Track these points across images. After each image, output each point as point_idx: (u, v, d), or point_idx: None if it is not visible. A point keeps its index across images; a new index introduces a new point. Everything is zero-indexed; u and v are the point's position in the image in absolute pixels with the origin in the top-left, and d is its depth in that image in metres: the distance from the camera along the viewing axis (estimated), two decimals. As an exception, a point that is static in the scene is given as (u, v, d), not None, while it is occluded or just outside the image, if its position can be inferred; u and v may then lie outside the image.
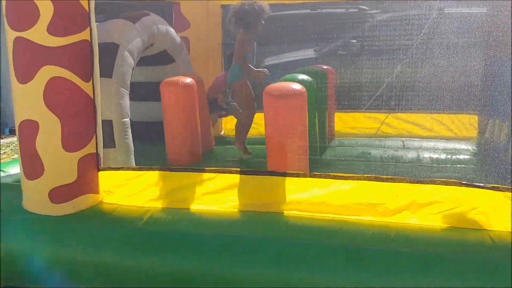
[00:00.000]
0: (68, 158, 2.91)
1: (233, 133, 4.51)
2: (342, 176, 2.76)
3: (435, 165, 3.64)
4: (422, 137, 4.49)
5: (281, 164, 3.07)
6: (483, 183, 2.56)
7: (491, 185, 2.54)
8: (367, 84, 4.20)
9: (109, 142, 3.36)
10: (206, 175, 2.95)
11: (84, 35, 2.89)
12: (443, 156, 3.84)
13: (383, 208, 2.68)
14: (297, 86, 3.04)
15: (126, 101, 3.54)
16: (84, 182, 3.00)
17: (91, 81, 2.96)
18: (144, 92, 4.18)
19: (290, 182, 2.83)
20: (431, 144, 4.07)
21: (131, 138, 3.57)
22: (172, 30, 4.19)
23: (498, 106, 4.04)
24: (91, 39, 2.93)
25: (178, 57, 4.28)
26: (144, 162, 3.64)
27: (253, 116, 4.03)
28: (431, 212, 2.62)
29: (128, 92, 3.56)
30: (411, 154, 3.88)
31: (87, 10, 2.89)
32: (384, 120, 4.83)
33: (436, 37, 3.97)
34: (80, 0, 2.85)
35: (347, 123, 5.04)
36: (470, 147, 4.06)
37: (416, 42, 3.97)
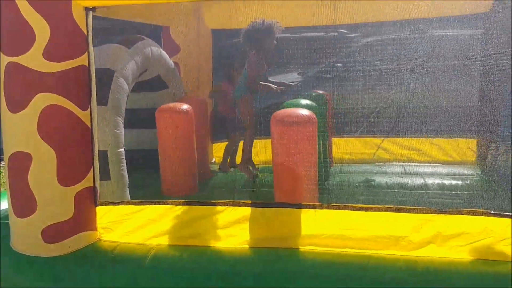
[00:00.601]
0: (64, 193, 2.67)
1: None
2: (361, 207, 2.61)
3: (447, 191, 3.53)
4: (419, 162, 4.41)
5: (291, 194, 2.90)
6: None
7: (521, 214, 2.43)
8: (361, 108, 4.11)
9: (104, 174, 3.13)
10: (214, 209, 2.76)
11: (82, 60, 2.69)
12: (449, 181, 3.75)
13: (407, 241, 2.53)
14: (307, 112, 2.90)
15: (121, 130, 3.32)
16: (81, 219, 2.76)
17: (88, 109, 2.75)
18: (135, 119, 3.96)
19: (305, 215, 2.66)
20: (436, 169, 3.98)
21: (126, 170, 3.34)
22: (165, 55, 4.02)
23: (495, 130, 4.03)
24: (89, 64, 2.73)
25: (171, 82, 4.10)
26: (138, 193, 3.42)
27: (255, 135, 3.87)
28: (458, 244, 2.48)
29: (123, 121, 3.35)
30: (417, 180, 3.77)
31: (85, 33, 2.70)
32: (380, 144, 4.74)
33: (431, 60, 3.94)
34: (78, 21, 2.65)
35: (342, 148, 4.92)
36: (474, 172, 3.98)
37: (409, 66, 3.92)
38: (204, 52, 4.71)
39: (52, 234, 2.68)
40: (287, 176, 2.88)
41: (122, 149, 3.32)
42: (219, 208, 2.74)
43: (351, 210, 2.60)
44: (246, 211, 2.71)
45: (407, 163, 4.30)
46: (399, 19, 4.16)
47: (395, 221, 2.57)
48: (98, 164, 2.85)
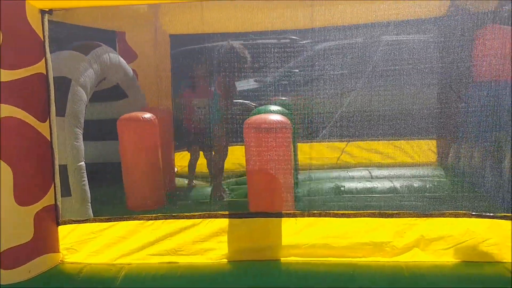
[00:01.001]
0: (22, 213, 2.44)
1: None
2: (344, 213, 2.53)
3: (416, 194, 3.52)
4: (383, 165, 4.41)
5: (269, 203, 2.77)
6: (493, 212, 2.44)
7: (502, 214, 2.42)
8: (322, 113, 4.07)
9: (64, 190, 2.89)
10: (189, 222, 2.60)
11: (39, 67, 2.47)
12: (417, 184, 3.75)
13: (391, 247, 2.48)
14: (281, 118, 2.80)
15: (81, 143, 3.09)
16: (42, 240, 2.52)
17: (47, 121, 2.53)
18: (95, 130, 3.73)
19: (286, 224, 2.55)
20: (403, 172, 3.99)
21: (87, 185, 3.11)
22: (124, 63, 3.81)
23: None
24: (46, 72, 2.51)
25: (131, 91, 3.89)
26: (101, 209, 3.20)
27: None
28: (442, 247, 2.45)
29: (82, 132, 3.13)
30: (386, 184, 3.75)
31: (42, 38, 2.49)
32: (343, 148, 4.71)
33: (387, 65, 3.96)
34: (34, 25, 2.43)
35: (305, 153, 4.86)
36: (438, 173, 4.01)
37: (367, 70, 3.92)
38: (163, 59, 4.52)
39: (10, 258, 2.43)
40: (264, 184, 2.76)
41: (83, 163, 3.09)
42: (194, 221, 2.59)
43: (334, 217, 2.52)
44: (224, 223, 2.57)
45: (372, 167, 4.29)
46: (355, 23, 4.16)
47: (379, 227, 2.51)
48: (59, 180, 2.63)
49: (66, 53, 3.19)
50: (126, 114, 3.51)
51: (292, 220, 2.53)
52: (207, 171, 3.83)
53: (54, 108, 2.56)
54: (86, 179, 3.10)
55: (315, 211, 2.53)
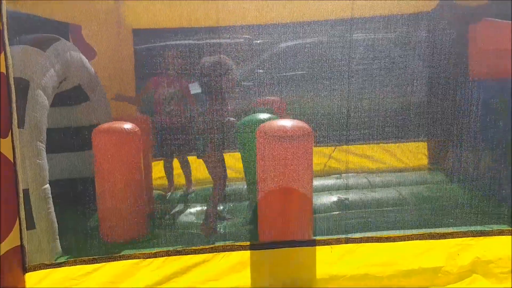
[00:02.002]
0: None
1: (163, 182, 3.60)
2: (388, 237, 2.11)
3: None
4: (372, 170, 4.08)
5: (295, 229, 2.26)
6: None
7: None
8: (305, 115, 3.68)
9: (27, 221, 2.27)
10: (197, 258, 2.08)
11: (-4, 64, 1.85)
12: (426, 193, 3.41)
13: (444, 273, 2.09)
14: (303, 124, 2.33)
15: (45, 160, 2.47)
16: (6, 294, 1.91)
17: (9, 135, 1.91)
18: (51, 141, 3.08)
19: (319, 253, 2.10)
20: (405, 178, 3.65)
21: (54, 213, 2.49)
22: (86, 60, 3.19)
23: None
24: (6, 71, 1.90)
25: (93, 93, 3.26)
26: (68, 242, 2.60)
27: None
28: (501, 270, 2.09)
29: (44, 147, 2.50)
30: (391, 194, 3.39)
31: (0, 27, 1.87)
32: (331, 154, 4.32)
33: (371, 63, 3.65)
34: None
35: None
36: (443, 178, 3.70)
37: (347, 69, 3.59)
38: (125, 57, 3.91)
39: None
40: (289, 207, 2.25)
41: (47, 185, 2.47)
42: (205, 256, 2.07)
43: (376, 242, 2.09)
44: (242, 256, 2.07)
45: (365, 173, 3.93)
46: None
47: (428, 250, 2.11)
48: (24, 212, 2.02)
49: (19, 49, 2.53)
50: (96, 121, 2.93)
51: (326, 248, 2.08)
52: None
53: (16, 118, 1.94)
54: (52, 206, 2.48)
55: (355, 237, 2.09)
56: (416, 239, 2.10)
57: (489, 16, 3.44)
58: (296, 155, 2.19)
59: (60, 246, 2.51)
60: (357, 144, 4.20)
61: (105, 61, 3.72)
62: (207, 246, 2.08)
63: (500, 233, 2.10)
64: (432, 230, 2.11)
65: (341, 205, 3.21)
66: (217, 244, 2.08)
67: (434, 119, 3.69)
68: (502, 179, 3.05)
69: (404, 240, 2.09)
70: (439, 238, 2.09)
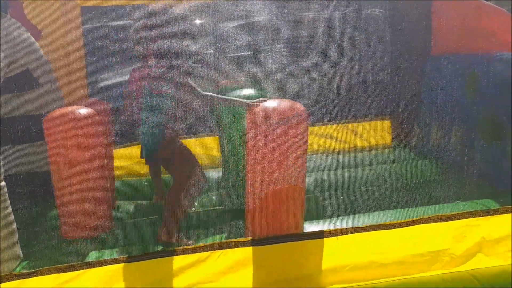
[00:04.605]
0: None
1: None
2: (396, 223, 1.98)
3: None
4: (337, 150, 3.99)
5: (294, 222, 2.09)
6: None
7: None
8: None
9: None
10: (190, 258, 1.86)
11: None
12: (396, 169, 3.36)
13: (449, 255, 2.01)
14: (297, 105, 2.13)
15: (-2, 154, 2.15)
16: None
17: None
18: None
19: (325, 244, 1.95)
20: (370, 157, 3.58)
21: (12, 214, 2.17)
22: (35, 42, 2.82)
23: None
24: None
25: (43, 78, 2.90)
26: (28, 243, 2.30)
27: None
28: (507, 249, 2.04)
29: (-3, 140, 2.18)
30: (366, 172, 3.30)
31: None
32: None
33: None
34: None
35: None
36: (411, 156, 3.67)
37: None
38: (73, 37, 3.55)
39: None
40: (288, 196, 2.07)
41: (3, 183, 2.15)
42: (200, 255, 1.85)
43: (385, 229, 1.96)
44: (242, 253, 1.87)
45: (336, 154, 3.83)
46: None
47: (432, 233, 2.02)
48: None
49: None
50: (47, 109, 2.60)
51: (332, 239, 1.93)
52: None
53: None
54: (9, 205, 2.17)
55: (363, 225, 1.95)
56: (423, 223, 1.99)
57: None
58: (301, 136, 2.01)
59: (20, 251, 2.22)
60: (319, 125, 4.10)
61: (51, 41, 3.38)
62: (201, 245, 1.86)
63: (506, 211, 2.03)
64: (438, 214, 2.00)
65: (319, 185, 3.09)
66: (213, 242, 1.86)
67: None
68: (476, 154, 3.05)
69: (410, 225, 1.97)
70: (445, 220, 1.99)
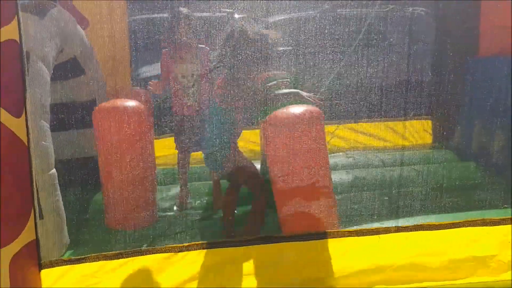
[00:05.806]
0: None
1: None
2: (441, 225, 1.96)
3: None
4: (376, 148, 3.95)
5: (310, 219, 2.07)
6: None
7: None
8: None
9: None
10: (239, 250, 1.88)
11: (8, 31, 1.57)
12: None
13: (496, 262, 1.97)
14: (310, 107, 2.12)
15: (50, 142, 2.20)
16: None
17: (23, 115, 1.64)
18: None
19: (366, 243, 1.94)
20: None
21: (61, 201, 2.23)
22: (81, 30, 2.87)
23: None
24: (20, 40, 1.62)
25: (89, 66, 2.96)
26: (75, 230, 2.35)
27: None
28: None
29: (49, 126, 2.22)
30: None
31: (10, -13, 1.59)
32: (333, 132, 4.15)
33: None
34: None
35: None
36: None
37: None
38: (118, 27, 3.59)
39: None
40: (320, 195, 2.06)
41: (54, 170, 2.20)
42: (237, 250, 1.87)
43: (428, 230, 1.94)
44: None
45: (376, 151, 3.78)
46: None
47: (477, 237, 1.99)
48: (37, 202, 1.76)
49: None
50: (90, 97, 2.65)
51: (374, 238, 1.92)
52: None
53: (30, 95, 1.67)
54: (59, 193, 2.22)
55: (406, 225, 1.94)
56: (466, 226, 1.96)
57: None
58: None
59: (68, 237, 2.27)
60: (360, 122, 4.05)
61: (98, 31, 3.42)
62: (249, 238, 1.88)
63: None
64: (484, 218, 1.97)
65: (357, 185, 3.05)
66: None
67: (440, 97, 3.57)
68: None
69: (456, 227, 1.95)
70: (493, 225, 1.96)
